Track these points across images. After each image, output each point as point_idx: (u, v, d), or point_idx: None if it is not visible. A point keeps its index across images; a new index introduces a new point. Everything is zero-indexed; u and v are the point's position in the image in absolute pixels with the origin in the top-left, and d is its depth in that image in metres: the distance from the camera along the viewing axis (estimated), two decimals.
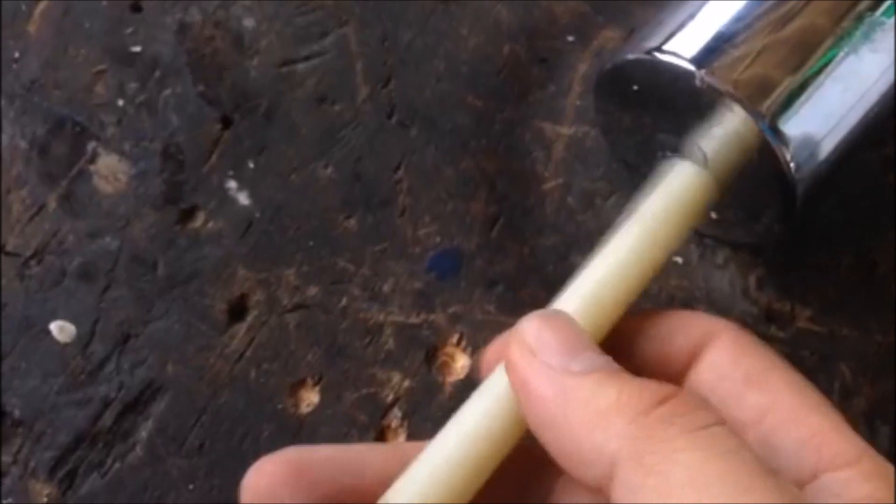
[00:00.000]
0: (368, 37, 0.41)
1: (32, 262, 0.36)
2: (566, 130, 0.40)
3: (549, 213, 0.39)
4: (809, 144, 0.34)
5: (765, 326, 0.37)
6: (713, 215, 0.38)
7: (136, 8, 0.40)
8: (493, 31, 0.41)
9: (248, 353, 0.36)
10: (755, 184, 0.35)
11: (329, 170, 0.39)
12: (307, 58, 0.40)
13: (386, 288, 0.37)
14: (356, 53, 0.40)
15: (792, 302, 0.38)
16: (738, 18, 0.34)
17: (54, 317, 0.35)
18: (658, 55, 0.34)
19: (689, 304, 0.38)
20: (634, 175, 0.39)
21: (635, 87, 0.35)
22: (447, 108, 0.40)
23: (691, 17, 0.35)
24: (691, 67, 0.33)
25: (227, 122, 0.39)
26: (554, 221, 0.39)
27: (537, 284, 0.38)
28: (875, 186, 0.40)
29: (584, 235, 0.38)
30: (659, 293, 0.37)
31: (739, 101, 0.33)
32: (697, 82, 0.33)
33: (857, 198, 0.39)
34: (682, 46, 0.34)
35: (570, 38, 0.41)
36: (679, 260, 0.38)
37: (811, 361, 0.37)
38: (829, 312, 0.38)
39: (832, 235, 0.39)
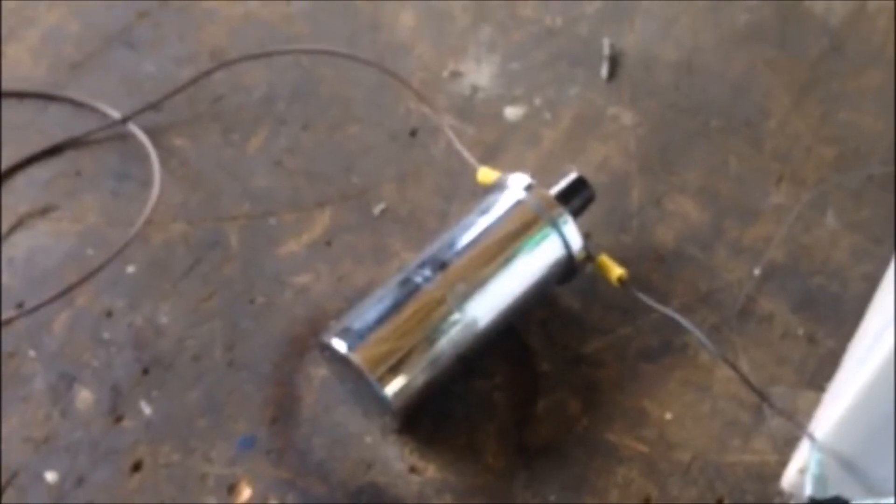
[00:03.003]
0: None
1: None
2: (322, 372, 0.75)
3: (306, 415, 0.73)
4: (408, 388, 0.68)
5: (408, 475, 0.70)
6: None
7: None
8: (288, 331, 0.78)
9: None
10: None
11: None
12: None
13: (214, 455, 0.71)
14: None
15: (426, 462, 0.71)
16: (379, 317, 0.70)
17: None
18: (330, 340, 0.69)
19: (372, 464, 0.71)
20: (360, 407, 0.73)
21: (331, 359, 0.71)
22: (265, 367, 0.76)
23: (359, 312, 0.71)
24: (343, 350, 0.68)
25: None
26: (313, 420, 0.73)
27: (296, 453, 0.71)
28: (485, 401, 0.74)
29: (327, 427, 0.72)
30: (348, 460, 0.71)
31: (366, 370, 0.67)
32: (347, 359, 0.68)
33: (471, 405, 0.73)
34: (343, 334, 0.69)
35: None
36: (369, 440, 0.72)
37: (431, 492, 0.69)
38: (447, 467, 0.70)
39: (452, 425, 0.72)
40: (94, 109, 0.92)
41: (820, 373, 0.74)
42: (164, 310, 0.79)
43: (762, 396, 0.69)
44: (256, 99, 0.94)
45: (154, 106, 0.91)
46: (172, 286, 0.80)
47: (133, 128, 0.90)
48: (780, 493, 0.68)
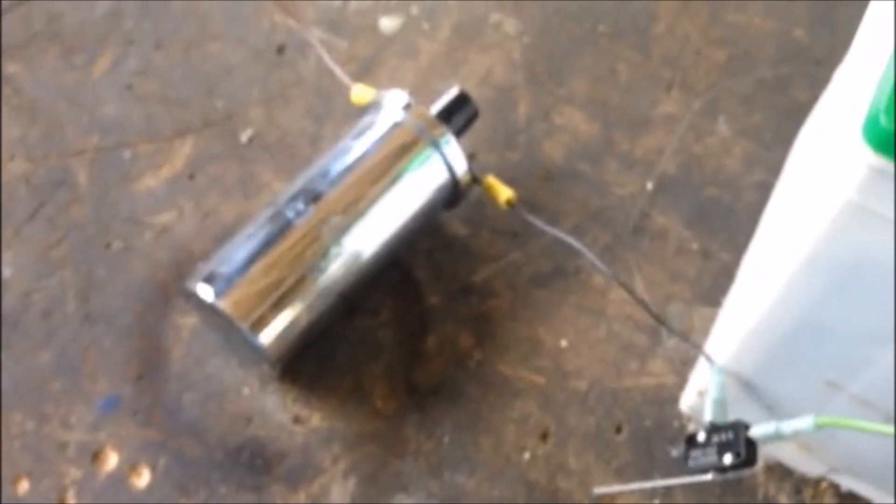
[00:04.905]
0: None
1: None
2: (191, 321, 0.69)
3: (176, 369, 0.67)
4: (285, 333, 0.62)
5: (292, 427, 0.65)
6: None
7: None
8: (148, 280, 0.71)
9: None
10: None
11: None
12: None
13: (73, 420, 0.65)
14: None
15: (310, 410, 0.66)
16: (248, 258, 0.63)
17: None
18: (194, 287, 0.62)
19: (251, 418, 0.65)
20: (235, 357, 0.67)
21: (199, 307, 0.64)
22: (127, 319, 0.69)
23: (225, 254, 0.64)
24: (210, 298, 0.61)
25: None
26: (183, 375, 0.67)
27: (166, 412, 0.65)
28: (371, 340, 0.69)
29: (200, 381, 0.66)
30: (225, 415, 0.65)
31: (236, 318, 0.61)
32: (215, 307, 0.61)
33: (356, 345, 0.68)
34: (209, 279, 0.62)
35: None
36: (247, 391, 0.66)
37: (317, 443, 0.64)
38: (333, 415, 0.65)
39: (337, 368, 0.67)
40: None
41: (715, 287, 0.71)
42: (6, 260, 0.70)
43: (658, 320, 0.66)
44: (100, 16, 0.84)
45: None
46: (14, 233, 0.72)
47: None
48: (679, 415, 0.66)
